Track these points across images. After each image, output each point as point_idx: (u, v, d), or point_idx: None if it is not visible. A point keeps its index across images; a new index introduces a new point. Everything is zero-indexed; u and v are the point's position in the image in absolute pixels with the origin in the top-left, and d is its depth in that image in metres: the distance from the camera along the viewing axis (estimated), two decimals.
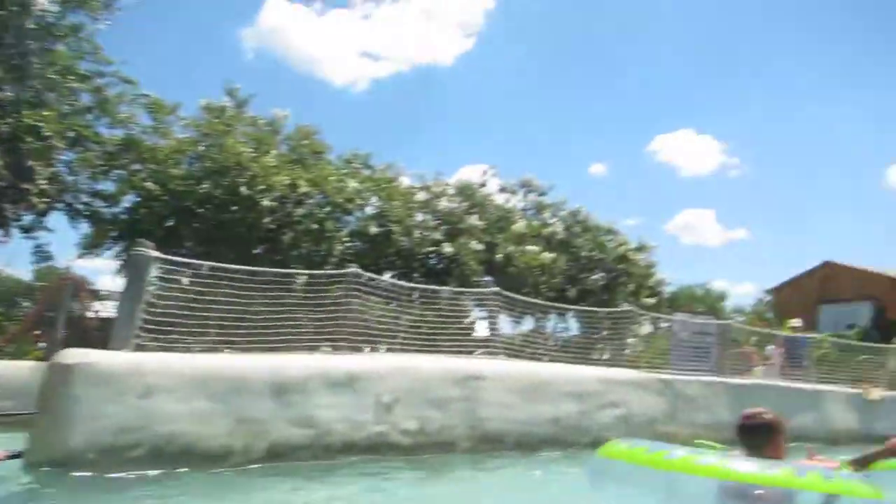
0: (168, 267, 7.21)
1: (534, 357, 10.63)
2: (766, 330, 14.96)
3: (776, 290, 26.18)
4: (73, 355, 5.43)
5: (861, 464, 4.04)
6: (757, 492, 3.10)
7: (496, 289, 10.82)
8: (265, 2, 53.21)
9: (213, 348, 7.25)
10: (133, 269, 6.77)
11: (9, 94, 13.33)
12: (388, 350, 9.49)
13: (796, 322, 14.22)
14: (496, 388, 8.07)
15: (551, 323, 14.04)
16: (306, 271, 10.11)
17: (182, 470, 5.52)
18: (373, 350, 9.13)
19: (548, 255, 17.67)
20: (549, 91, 56.99)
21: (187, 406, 5.71)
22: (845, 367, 13.03)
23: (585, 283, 18.30)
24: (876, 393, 11.68)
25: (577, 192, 64.40)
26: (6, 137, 12.77)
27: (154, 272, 6.97)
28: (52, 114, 13.28)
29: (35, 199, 13.09)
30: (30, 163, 13.01)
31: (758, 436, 3.65)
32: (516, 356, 10.32)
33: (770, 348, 13.29)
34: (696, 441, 3.73)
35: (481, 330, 11.55)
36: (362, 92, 47.93)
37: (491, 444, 7.73)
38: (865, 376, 12.71)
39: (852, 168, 54.77)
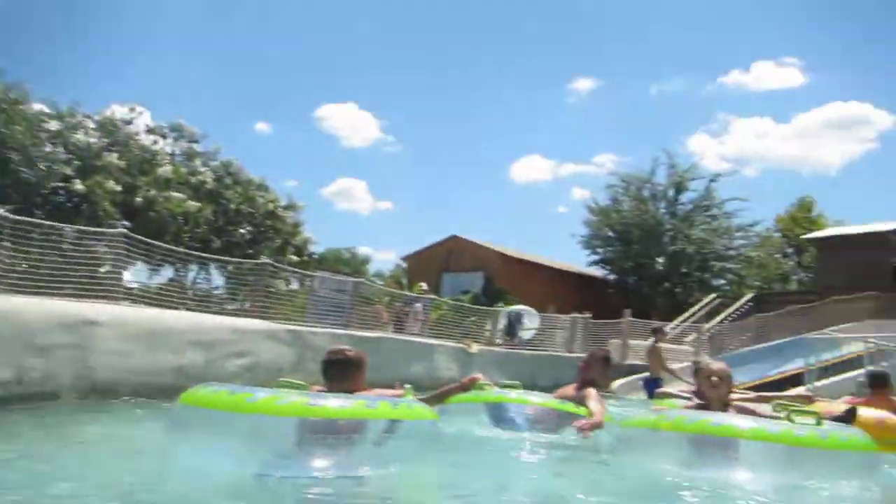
0: None
1: (171, 307, 10.11)
2: (397, 291, 16.25)
3: (410, 258, 28.58)
4: None
5: (436, 398, 4.62)
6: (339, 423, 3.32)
7: (122, 231, 10.03)
8: None
9: None
10: None
11: None
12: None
13: (423, 286, 15.80)
14: (112, 336, 7.47)
15: (192, 273, 13.51)
16: None
17: None
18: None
19: (193, 204, 16.93)
20: (218, 40, 54.19)
21: None
22: (457, 326, 14.81)
23: (232, 236, 17.96)
24: (475, 347, 13.49)
25: (239, 147, 62.55)
26: None
27: None
28: None
29: None
30: None
31: (340, 370, 3.90)
32: (151, 305, 9.73)
33: (417, 306, 14.53)
34: (280, 380, 3.87)
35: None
36: None
37: (103, 395, 7.17)
38: (470, 333, 14.61)
39: (486, 159, 62.33)
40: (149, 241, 10.39)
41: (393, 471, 3.49)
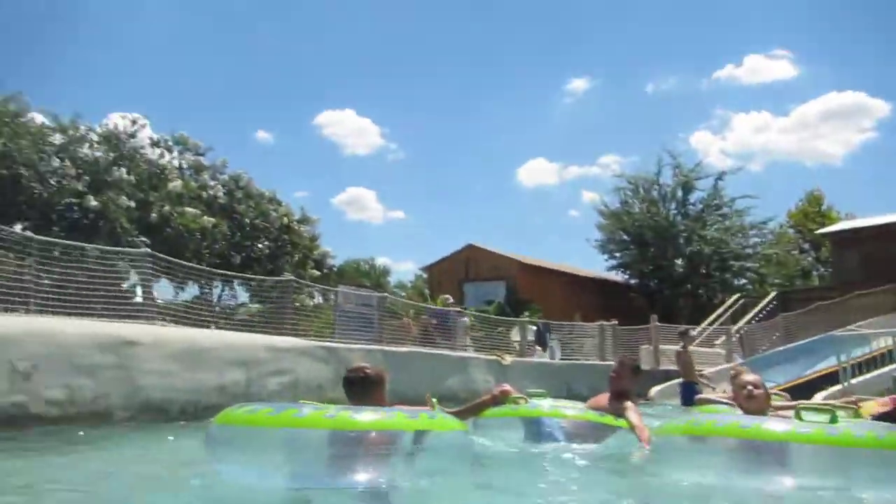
0: None
1: (199, 325, 9.97)
2: (423, 304, 16.03)
3: (429, 269, 28.35)
4: None
5: (468, 412, 4.42)
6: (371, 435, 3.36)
7: (147, 250, 9.95)
8: None
9: None
10: None
11: None
12: (27, 312, 8.08)
13: (448, 298, 15.62)
14: (153, 356, 7.35)
15: (217, 290, 13.32)
16: None
17: None
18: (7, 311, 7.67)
19: (209, 220, 16.71)
20: (213, 47, 53.88)
21: None
22: (488, 337, 14.61)
23: (251, 252, 17.75)
24: (508, 358, 13.29)
25: (242, 157, 62.23)
26: None
27: None
28: None
29: None
30: None
31: (361, 388, 3.92)
32: (179, 323, 9.58)
33: (464, 320, 14.41)
34: (300, 399, 3.96)
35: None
36: None
37: (154, 414, 7.04)
38: (501, 345, 14.41)
39: (492, 164, 62.10)
40: (176, 260, 10.26)
41: (424, 483, 3.48)
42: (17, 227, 12.56)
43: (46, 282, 8.73)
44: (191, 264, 10.94)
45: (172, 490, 3.77)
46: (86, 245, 9.85)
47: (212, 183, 18.81)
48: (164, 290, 11.95)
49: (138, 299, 10.59)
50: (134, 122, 17.81)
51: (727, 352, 16.15)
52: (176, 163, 18.77)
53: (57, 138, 15.69)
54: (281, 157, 54.21)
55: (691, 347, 11.44)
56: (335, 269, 21.57)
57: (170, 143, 18.88)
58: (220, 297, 13.55)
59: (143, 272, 9.74)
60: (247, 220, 18.32)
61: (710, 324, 19.05)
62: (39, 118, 15.84)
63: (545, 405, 5.20)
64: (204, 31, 52.06)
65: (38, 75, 39.71)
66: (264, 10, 53.74)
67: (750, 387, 4.31)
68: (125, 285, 10.74)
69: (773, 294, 22.62)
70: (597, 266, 29.99)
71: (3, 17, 37.62)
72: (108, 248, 10.47)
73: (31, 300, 8.17)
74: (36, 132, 14.97)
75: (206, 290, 12.99)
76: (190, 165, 19.04)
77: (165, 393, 7.27)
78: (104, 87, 43.17)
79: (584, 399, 5.67)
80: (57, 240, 9.73)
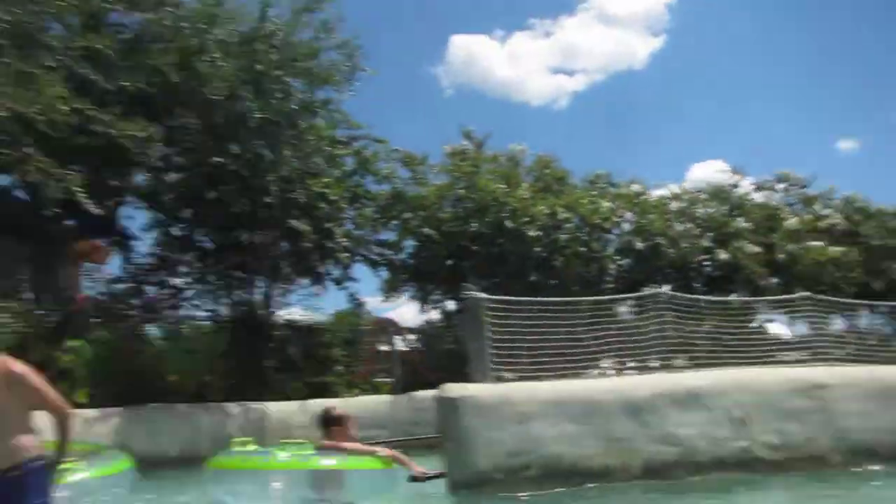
0: (495, 306, 7.60)
1: (855, 357, 9.69)
2: None
3: None
4: (453, 389, 5.97)
5: None
6: None
7: (806, 293, 10.21)
8: (449, 39, 55.81)
9: (559, 375, 7.47)
10: (471, 311, 7.30)
11: (297, 167, 14.63)
12: (695, 364, 9.16)
13: None
14: (847, 396, 7.34)
15: (864, 320, 12.73)
16: (625, 296, 10.81)
17: (587, 486, 6.03)
18: (699, 365, 8.87)
19: (835, 249, 16.14)
20: (765, 69, 51.37)
21: (557, 429, 6.06)
22: None
23: (892, 274, 16.42)
24: None
25: (827, 173, 57.65)
26: (304, 206, 14.23)
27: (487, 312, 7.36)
28: (332, 180, 14.61)
29: (341, 255, 14.55)
30: (326, 224, 14.39)
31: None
32: (828, 358, 9.51)
33: None
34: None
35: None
36: (564, 107, 47.49)
37: (863, 458, 7.04)
38: None
39: None
40: (831, 299, 10.27)
41: None
42: (665, 288, 14.40)
43: (708, 333, 9.78)
44: (843, 300, 10.84)
45: None
46: (749, 299, 10.81)
47: (825, 212, 18.26)
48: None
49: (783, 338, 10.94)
50: (734, 173, 18.74)
51: None
52: (783, 201, 18.87)
53: (674, 205, 17.46)
54: (870, 164, 48.22)
55: None
56: None
57: (772, 184, 19.12)
58: (870, 327, 12.83)
59: (806, 314, 10.03)
60: (874, 242, 17.08)
61: None
62: (653, 192, 17.94)
63: None
64: (745, 64, 50.87)
65: (628, 150, 45.11)
66: (803, 22, 49.83)
67: None
68: (752, 325, 11.26)
69: None
70: None
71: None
72: (768, 298, 11.09)
73: (710, 352, 9.19)
74: (657, 204, 16.94)
75: (853, 322, 12.55)
76: (798, 199, 18.89)
77: (871, 435, 7.15)
78: (681, 144, 46.14)
79: None
80: (726, 298, 10.93)
